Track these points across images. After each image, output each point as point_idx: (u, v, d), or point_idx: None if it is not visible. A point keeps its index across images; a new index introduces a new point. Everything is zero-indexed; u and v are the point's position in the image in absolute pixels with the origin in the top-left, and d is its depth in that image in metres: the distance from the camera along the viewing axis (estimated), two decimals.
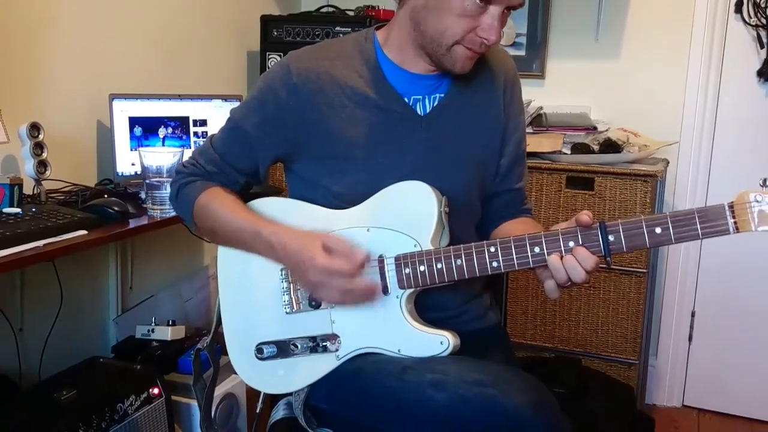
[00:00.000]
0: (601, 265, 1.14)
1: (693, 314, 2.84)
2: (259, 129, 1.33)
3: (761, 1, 2.57)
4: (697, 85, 2.69)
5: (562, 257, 1.14)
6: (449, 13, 1.20)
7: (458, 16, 1.20)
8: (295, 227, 1.29)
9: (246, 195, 1.41)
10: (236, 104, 2.35)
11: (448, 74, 1.32)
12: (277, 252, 1.25)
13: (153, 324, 2.20)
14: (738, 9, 2.61)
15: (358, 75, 1.31)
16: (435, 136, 1.32)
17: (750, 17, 2.61)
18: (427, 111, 1.32)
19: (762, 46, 2.60)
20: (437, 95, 1.33)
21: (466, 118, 1.35)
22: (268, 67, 2.70)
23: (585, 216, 1.13)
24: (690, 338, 2.86)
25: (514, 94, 1.42)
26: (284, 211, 1.34)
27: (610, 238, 1.12)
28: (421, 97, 1.32)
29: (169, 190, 1.79)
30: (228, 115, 1.39)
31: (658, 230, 1.09)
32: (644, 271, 2.42)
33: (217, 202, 1.34)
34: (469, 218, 1.39)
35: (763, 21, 2.58)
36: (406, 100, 1.31)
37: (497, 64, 1.40)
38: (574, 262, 1.12)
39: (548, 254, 1.14)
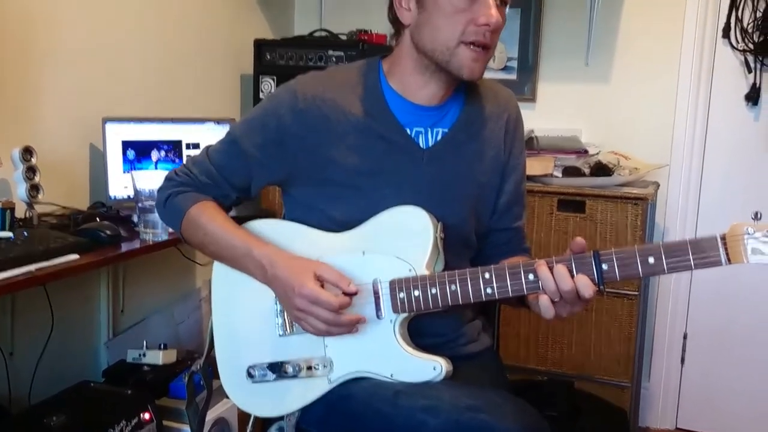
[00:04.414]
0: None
1: (685, 336, 2.84)
2: (259, 150, 1.33)
3: (748, 27, 2.60)
4: (687, 109, 2.71)
5: (551, 269, 1.13)
6: (442, 16, 1.22)
7: (451, 15, 1.21)
8: (290, 250, 1.30)
9: (238, 216, 1.41)
10: (229, 128, 2.39)
11: (452, 103, 1.33)
12: (266, 273, 1.25)
13: (144, 348, 2.19)
14: (725, 34, 2.65)
15: (361, 103, 1.31)
16: (436, 171, 1.32)
17: (737, 42, 2.64)
18: (430, 145, 1.33)
19: (750, 71, 2.64)
20: (440, 129, 1.34)
21: (467, 154, 1.35)
22: (262, 91, 2.71)
23: (579, 239, 1.14)
24: (682, 360, 2.86)
25: (516, 133, 1.42)
26: (280, 234, 1.34)
27: (604, 266, 1.12)
28: (423, 129, 1.33)
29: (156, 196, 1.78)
30: (228, 130, 1.39)
31: (651, 260, 1.10)
32: (636, 293, 2.43)
33: (208, 216, 1.34)
34: (464, 251, 1.39)
35: (750, 46, 2.61)
36: (407, 131, 1.32)
37: (502, 104, 1.41)
38: (563, 271, 1.12)
39: (538, 264, 1.14)
